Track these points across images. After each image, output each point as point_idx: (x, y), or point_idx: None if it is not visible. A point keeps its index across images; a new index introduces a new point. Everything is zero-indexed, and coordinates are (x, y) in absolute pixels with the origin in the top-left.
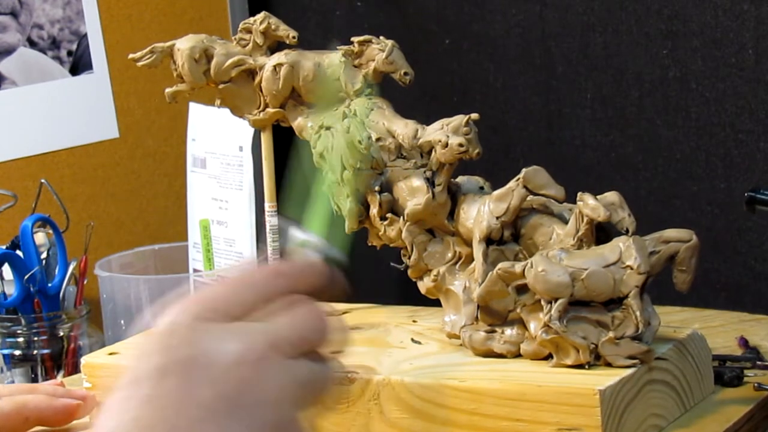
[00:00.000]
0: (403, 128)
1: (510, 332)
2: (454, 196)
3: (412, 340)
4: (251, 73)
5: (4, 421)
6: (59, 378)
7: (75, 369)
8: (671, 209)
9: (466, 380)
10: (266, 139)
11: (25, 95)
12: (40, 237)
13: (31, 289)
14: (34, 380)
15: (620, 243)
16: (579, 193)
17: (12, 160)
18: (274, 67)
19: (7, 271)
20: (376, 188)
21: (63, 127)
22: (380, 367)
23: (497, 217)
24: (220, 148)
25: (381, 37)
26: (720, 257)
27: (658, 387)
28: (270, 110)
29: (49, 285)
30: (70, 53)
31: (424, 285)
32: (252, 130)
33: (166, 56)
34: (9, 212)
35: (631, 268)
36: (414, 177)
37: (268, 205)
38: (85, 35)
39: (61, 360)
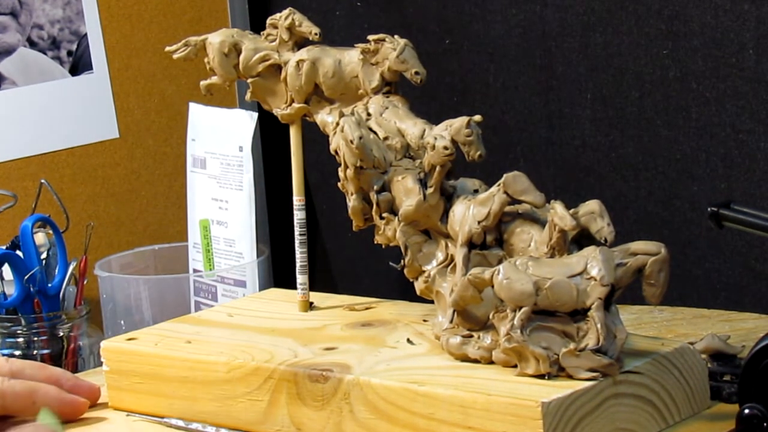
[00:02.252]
0: (412, 128)
1: (486, 338)
2: (451, 197)
3: (408, 340)
4: (278, 68)
5: (14, 401)
6: None
7: (75, 369)
8: (671, 209)
9: (424, 384)
10: (295, 134)
11: (25, 95)
12: (40, 237)
13: (31, 289)
14: None
15: (587, 253)
16: (551, 201)
17: (12, 160)
18: (297, 63)
19: (7, 271)
20: (375, 187)
21: (63, 127)
22: (358, 366)
23: (479, 222)
24: (220, 148)
25: (396, 36)
26: (720, 257)
27: (628, 401)
28: (296, 105)
29: (49, 285)
30: (70, 53)
31: (418, 286)
32: (252, 130)
33: (201, 49)
34: (9, 212)
35: (595, 280)
36: (409, 178)
37: (297, 199)
38: (85, 35)
39: (61, 360)
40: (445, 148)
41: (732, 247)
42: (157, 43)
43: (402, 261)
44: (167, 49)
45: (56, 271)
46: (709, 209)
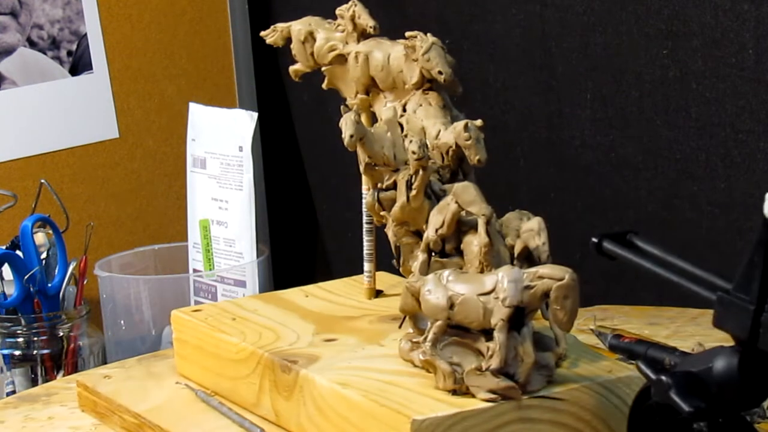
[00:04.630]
0: (432, 127)
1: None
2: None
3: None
4: (345, 58)
5: None
6: (58, 377)
7: (75, 369)
8: (671, 209)
9: (345, 385)
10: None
11: (25, 95)
12: (40, 237)
13: (31, 289)
14: (34, 380)
15: (500, 272)
16: (485, 215)
17: (12, 160)
18: (355, 54)
19: (7, 271)
20: (380, 185)
21: (63, 127)
22: (322, 360)
23: (436, 230)
24: (220, 148)
25: (428, 34)
26: (720, 257)
27: (543, 427)
28: (361, 96)
29: (49, 285)
30: (70, 53)
31: None
32: (252, 130)
33: (287, 35)
34: (9, 212)
35: (500, 300)
36: (405, 179)
37: (365, 188)
38: (85, 35)
39: (61, 360)
40: (413, 152)
41: (732, 247)
42: (157, 43)
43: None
44: (262, 34)
45: (56, 271)
46: (591, 239)
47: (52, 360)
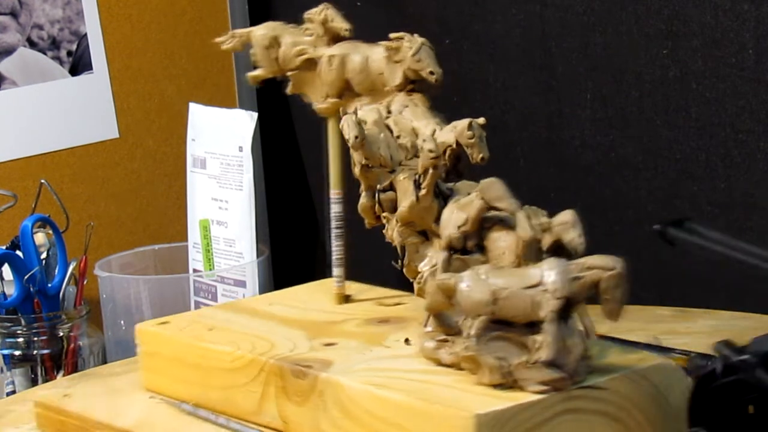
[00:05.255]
0: (424, 127)
1: (458, 344)
2: (447, 199)
3: (406, 340)
4: (314, 62)
5: None
6: (59, 378)
7: (75, 369)
8: (671, 209)
9: (382, 387)
10: (333, 128)
11: (25, 95)
12: (40, 237)
13: (31, 289)
14: (34, 380)
15: (544, 265)
16: (524, 208)
17: (12, 160)
18: (329, 58)
19: (7, 271)
20: (379, 186)
21: (63, 127)
22: (339, 364)
23: (458, 227)
24: (220, 148)
25: (414, 35)
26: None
27: (588, 417)
28: (331, 100)
29: (49, 285)
30: (70, 53)
31: (415, 287)
32: (252, 130)
33: (246, 41)
34: (9, 212)
35: (549, 292)
36: (408, 179)
37: (334, 192)
38: (85, 35)
39: (61, 360)
40: (431, 151)
41: None
42: (157, 43)
43: (399, 261)
44: (216, 40)
45: (56, 271)
46: (653, 227)
47: (52, 360)
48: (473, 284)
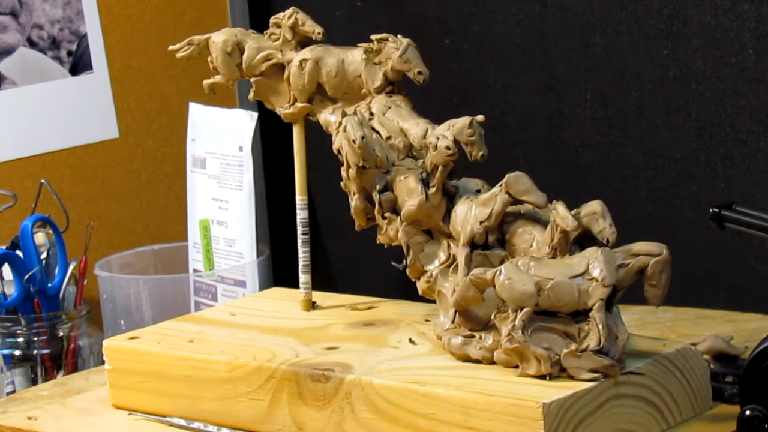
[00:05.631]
0: (415, 127)
1: (488, 339)
2: (453, 197)
3: (410, 340)
4: (281, 67)
5: None
6: (59, 378)
7: (75, 369)
8: (671, 209)
9: (426, 384)
10: (298, 133)
11: (25, 95)
12: (40, 237)
13: (31, 289)
14: (34, 380)
15: (589, 254)
16: (553, 202)
17: (12, 160)
18: (300, 62)
19: (7, 271)
20: (378, 187)
21: (63, 127)
22: (359, 366)
23: (481, 222)
24: (220, 148)
25: (399, 36)
26: (720, 257)
27: (629, 402)
28: (298, 105)
29: (49, 285)
30: (70, 53)
31: (420, 286)
32: (252, 130)
33: (204, 48)
34: (9, 212)
35: (597, 281)
36: (412, 177)
37: (299, 198)
38: (85, 35)
39: (61, 360)
40: (447, 147)
41: (732, 247)
42: (157, 43)
43: (404, 261)
44: (170, 48)
45: (56, 271)
46: (711, 210)
47: (52, 360)
48: (515, 276)
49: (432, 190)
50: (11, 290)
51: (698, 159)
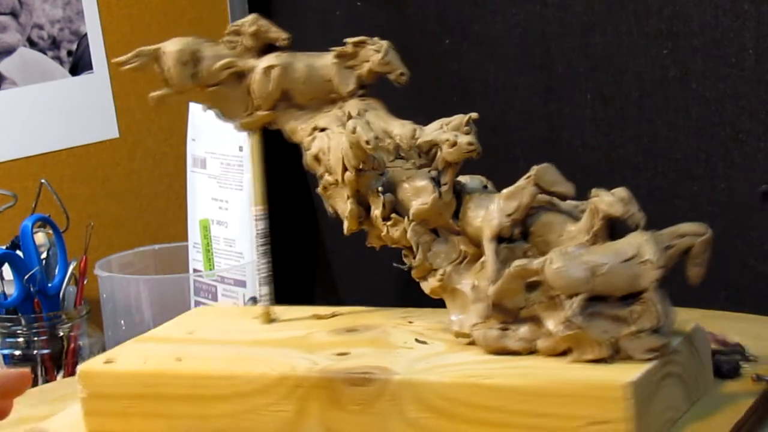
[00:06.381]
0: (400, 128)
1: (523, 329)
2: (458, 195)
3: (416, 340)
4: (240, 75)
5: None
6: (59, 378)
7: (75, 369)
8: (671, 209)
9: (492, 377)
10: (255, 142)
11: (25, 95)
12: (40, 237)
13: (31, 289)
14: (34, 380)
15: (637, 238)
16: (593, 190)
17: (12, 160)
18: (265, 69)
19: (7, 271)
20: (380, 188)
21: (63, 127)
22: (396, 367)
23: (508, 215)
24: (220, 148)
25: (375, 38)
26: (720, 257)
27: (671, 380)
28: (260, 113)
29: (49, 285)
30: (70, 53)
31: (428, 285)
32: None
33: (153, 60)
34: (9, 212)
35: (650, 263)
36: (418, 177)
37: (257, 208)
38: (85, 35)
39: (61, 360)
40: (470, 143)
41: (732, 247)
42: (157, 43)
43: (406, 262)
44: (115, 60)
45: (56, 271)
46: (765, 186)
47: (52, 360)
48: (568, 263)
49: (444, 188)
50: (11, 290)
51: (698, 159)
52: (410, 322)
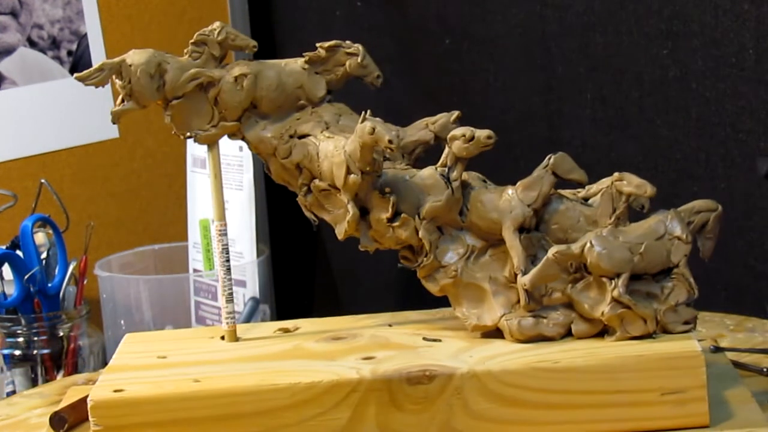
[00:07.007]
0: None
1: (556, 315)
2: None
3: (425, 338)
4: (204, 86)
5: None
6: (59, 378)
7: (75, 369)
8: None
9: (560, 361)
10: (214, 156)
11: (25, 95)
12: (40, 237)
13: (31, 289)
14: (34, 380)
15: (662, 217)
16: (618, 173)
17: (12, 160)
18: (237, 77)
19: (7, 271)
20: (387, 189)
21: (63, 127)
22: (450, 361)
23: (528, 205)
24: (220, 148)
25: (348, 42)
26: (720, 257)
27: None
28: (225, 123)
29: (49, 285)
30: (70, 53)
31: (437, 283)
32: None
33: (115, 73)
34: (9, 212)
35: (679, 239)
36: (426, 175)
37: (218, 224)
38: (85, 35)
39: (61, 360)
40: (489, 137)
41: (732, 247)
42: (157, 43)
43: (404, 263)
44: (76, 76)
45: (56, 271)
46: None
47: (52, 360)
48: (610, 245)
49: (456, 184)
50: (11, 290)
51: (698, 159)
52: (389, 325)
